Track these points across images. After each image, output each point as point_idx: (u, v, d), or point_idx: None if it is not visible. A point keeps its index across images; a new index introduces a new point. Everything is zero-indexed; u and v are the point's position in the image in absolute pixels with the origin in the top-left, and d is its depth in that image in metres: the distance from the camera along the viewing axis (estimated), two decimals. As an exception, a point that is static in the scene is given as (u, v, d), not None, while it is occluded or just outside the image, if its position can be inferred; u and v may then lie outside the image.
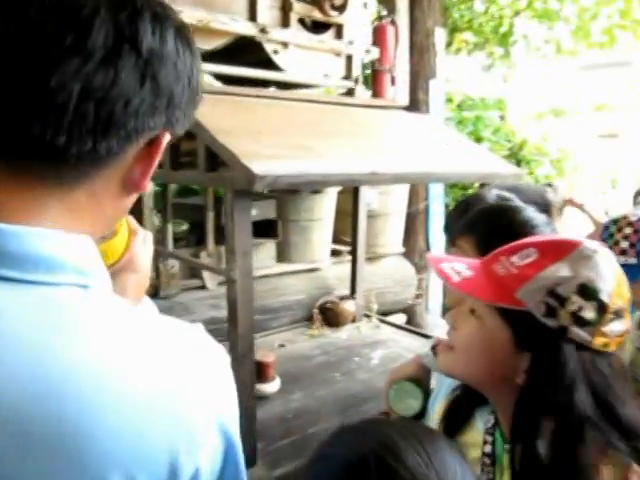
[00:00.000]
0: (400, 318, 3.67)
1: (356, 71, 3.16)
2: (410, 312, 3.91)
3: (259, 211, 2.92)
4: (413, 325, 3.65)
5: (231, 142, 1.58)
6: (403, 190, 3.56)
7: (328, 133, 1.93)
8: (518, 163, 5.52)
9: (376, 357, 2.64)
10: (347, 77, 3.17)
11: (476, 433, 0.87)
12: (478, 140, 5.10)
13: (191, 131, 1.75)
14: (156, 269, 2.62)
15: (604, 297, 0.70)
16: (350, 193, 3.03)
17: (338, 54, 3.11)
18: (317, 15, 2.96)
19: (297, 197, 3.08)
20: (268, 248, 3.09)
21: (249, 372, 1.69)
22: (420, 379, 1.16)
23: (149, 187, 2.31)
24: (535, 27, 6.29)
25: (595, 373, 0.72)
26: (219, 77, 3.41)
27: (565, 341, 0.71)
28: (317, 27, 3.04)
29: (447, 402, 0.96)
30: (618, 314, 0.71)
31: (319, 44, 2.99)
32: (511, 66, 7.14)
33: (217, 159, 1.64)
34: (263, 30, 2.74)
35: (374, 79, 3.38)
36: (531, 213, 1.21)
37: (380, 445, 0.55)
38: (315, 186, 1.75)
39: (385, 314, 3.33)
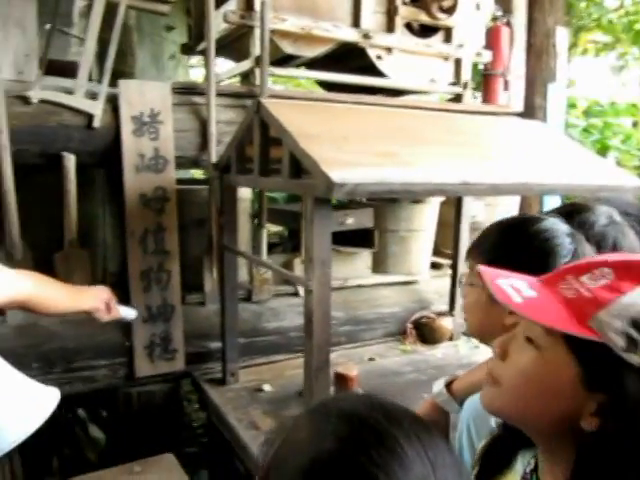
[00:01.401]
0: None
1: (465, 76, 3.00)
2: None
3: (355, 219, 2.86)
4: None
5: (313, 148, 1.54)
6: (512, 202, 3.31)
7: (421, 140, 1.82)
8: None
9: (471, 380, 2.46)
10: (455, 82, 3.02)
11: (515, 476, 0.75)
12: (605, 149, 4.64)
13: (278, 137, 1.74)
14: (250, 274, 2.65)
15: None
16: (454, 204, 2.87)
17: (446, 58, 2.98)
18: (424, 18, 2.85)
19: (396, 206, 2.98)
20: (364, 258, 3.02)
21: (323, 388, 1.63)
22: (435, 421, 1.04)
23: (246, 192, 2.31)
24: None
25: None
26: (321, 84, 3.42)
27: None
28: (424, 31, 2.93)
29: (486, 442, 0.83)
30: None
31: (426, 48, 2.88)
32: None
33: (301, 165, 1.61)
34: (366, 35, 2.69)
35: (485, 84, 3.20)
36: (550, 224, 1.05)
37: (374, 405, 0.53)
38: (398, 195, 1.66)
39: (487, 334, 3.11)
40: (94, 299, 1.54)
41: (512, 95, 3.22)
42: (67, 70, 2.21)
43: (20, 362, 2.10)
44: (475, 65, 3.24)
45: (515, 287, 0.68)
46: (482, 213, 3.11)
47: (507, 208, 3.26)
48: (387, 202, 2.99)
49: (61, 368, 2.19)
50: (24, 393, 0.81)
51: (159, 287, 2.35)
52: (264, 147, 1.85)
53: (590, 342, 0.61)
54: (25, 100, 2.08)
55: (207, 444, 2.47)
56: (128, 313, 1.74)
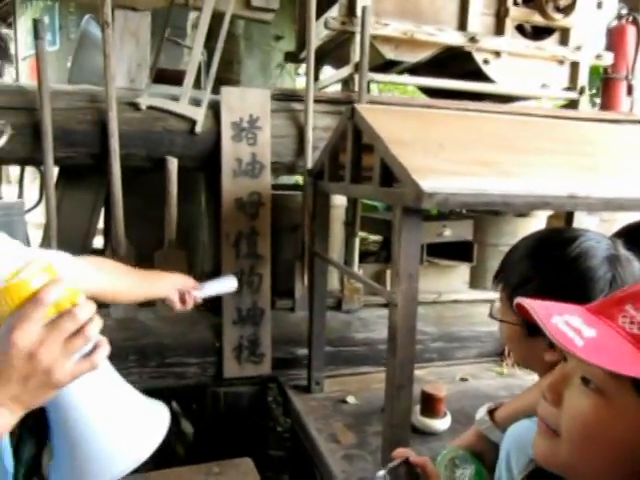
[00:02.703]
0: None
1: (582, 80, 2.77)
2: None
3: (454, 231, 2.73)
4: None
5: (405, 155, 1.47)
6: (633, 218, 2.99)
7: (525, 149, 1.68)
8: None
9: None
10: (571, 87, 2.80)
11: None
12: None
13: (371, 143, 1.69)
14: (340, 282, 2.62)
15: None
16: (563, 218, 2.65)
17: (561, 62, 2.77)
18: (538, 19, 2.67)
19: (498, 219, 2.81)
20: (461, 272, 2.87)
21: (405, 407, 1.54)
22: (480, 451, 0.92)
23: (341, 200, 2.29)
24: None
25: None
26: (424, 90, 3.31)
27: None
28: (537, 32, 2.74)
29: (524, 474, 0.72)
30: None
31: (538, 51, 2.70)
32: None
33: (392, 173, 1.54)
34: (473, 39, 2.57)
35: (605, 88, 2.94)
36: (587, 244, 0.87)
37: None
38: (496, 207, 1.54)
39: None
40: (169, 288, 1.49)
41: (637, 100, 2.92)
42: (178, 78, 2.31)
43: (119, 354, 2.23)
44: (595, 68, 2.99)
45: (573, 326, 0.58)
46: (595, 229, 2.84)
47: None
48: (488, 214, 2.83)
49: (156, 362, 2.28)
50: (138, 415, 0.71)
51: (250, 290, 2.38)
52: (356, 153, 1.81)
53: None
54: (135, 106, 2.20)
55: (290, 450, 2.46)
56: (224, 286, 1.67)
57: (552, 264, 0.93)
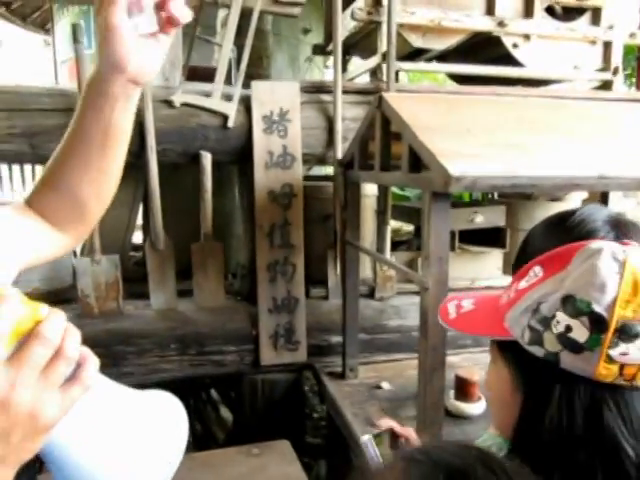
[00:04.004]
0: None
1: (616, 60, 2.71)
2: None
3: (485, 217, 2.73)
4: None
5: (433, 141, 1.49)
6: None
7: (554, 131, 1.67)
8: None
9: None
10: (604, 68, 2.75)
11: None
12: None
13: (399, 132, 1.71)
14: (373, 270, 2.65)
15: (599, 308, 0.51)
16: (598, 201, 2.61)
17: (593, 42, 2.72)
18: (568, 0, 2.62)
19: (531, 204, 2.79)
20: (494, 258, 2.86)
21: (437, 390, 1.57)
22: None
23: (372, 189, 2.28)
24: None
25: (615, 419, 0.53)
26: (453, 77, 3.30)
27: (559, 375, 0.55)
28: (567, 13, 2.70)
29: None
30: (633, 330, 0.51)
31: (569, 32, 2.66)
32: None
33: (420, 159, 1.57)
34: (501, 23, 2.55)
35: (640, 68, 2.87)
36: (588, 211, 0.84)
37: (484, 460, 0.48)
38: (524, 190, 1.54)
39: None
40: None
41: (674, 80, 2.85)
42: (209, 75, 2.37)
43: (160, 343, 2.32)
44: (629, 48, 2.92)
45: (460, 305, 0.69)
46: (631, 212, 2.79)
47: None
48: (521, 199, 2.81)
49: (195, 351, 2.37)
50: (152, 425, 0.56)
51: (284, 279, 2.43)
52: (385, 141, 1.83)
53: (510, 342, 0.60)
54: (169, 104, 2.28)
55: (326, 435, 2.51)
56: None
57: (557, 237, 0.93)
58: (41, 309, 0.45)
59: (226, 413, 2.73)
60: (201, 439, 2.55)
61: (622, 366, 0.52)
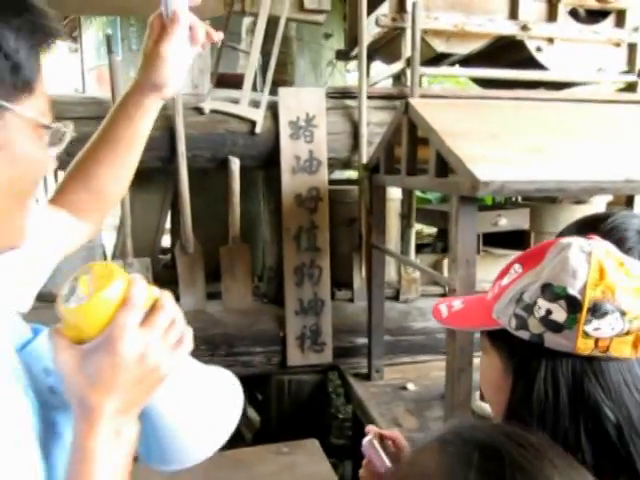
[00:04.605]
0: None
1: (641, 62, 2.71)
2: None
3: (509, 220, 2.74)
4: None
5: (460, 146, 1.52)
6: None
7: (580, 135, 1.69)
8: None
9: None
10: (628, 70, 2.74)
11: None
12: None
13: (426, 137, 1.74)
14: (398, 273, 2.68)
15: (573, 292, 0.61)
16: (623, 204, 2.61)
17: (618, 44, 2.72)
18: (592, 3, 2.63)
19: (555, 207, 2.79)
20: (518, 260, 2.87)
21: (465, 390, 1.60)
22: None
23: (396, 193, 2.29)
24: None
25: (595, 387, 0.61)
26: (477, 81, 3.32)
27: (544, 353, 0.63)
28: (591, 16, 2.71)
29: None
30: (603, 308, 0.60)
31: (593, 35, 2.67)
32: None
33: (447, 164, 1.60)
34: (525, 27, 2.56)
35: (666, 70, 2.85)
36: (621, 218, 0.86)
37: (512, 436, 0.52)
38: (550, 193, 1.56)
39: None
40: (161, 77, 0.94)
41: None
42: (236, 82, 2.43)
43: (190, 343, 2.38)
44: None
45: (450, 305, 0.76)
46: (659, 214, 2.78)
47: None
48: (545, 202, 2.81)
49: (224, 351, 2.42)
50: (217, 392, 0.67)
51: (311, 282, 2.48)
52: (411, 146, 1.87)
53: (499, 331, 0.67)
54: (199, 111, 2.34)
55: (352, 436, 2.54)
56: None
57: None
58: (154, 289, 0.59)
59: (253, 414, 2.78)
60: (229, 439, 2.59)
61: (597, 340, 0.61)
